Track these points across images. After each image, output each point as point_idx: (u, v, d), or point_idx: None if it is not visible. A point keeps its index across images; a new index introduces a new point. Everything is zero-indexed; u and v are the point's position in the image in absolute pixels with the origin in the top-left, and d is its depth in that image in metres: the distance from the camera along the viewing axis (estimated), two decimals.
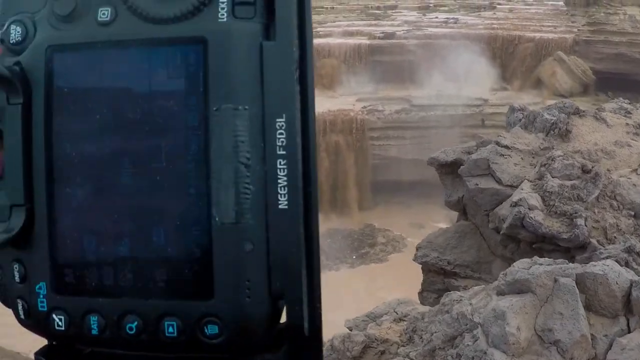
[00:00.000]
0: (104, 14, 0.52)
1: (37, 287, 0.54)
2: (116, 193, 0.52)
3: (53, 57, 0.53)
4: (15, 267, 0.55)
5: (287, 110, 0.49)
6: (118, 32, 0.52)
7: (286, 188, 0.49)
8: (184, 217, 0.51)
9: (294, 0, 0.50)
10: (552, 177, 5.69)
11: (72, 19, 0.53)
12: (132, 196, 0.52)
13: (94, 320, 0.53)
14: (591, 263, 3.82)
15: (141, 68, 0.52)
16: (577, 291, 3.44)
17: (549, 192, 5.55)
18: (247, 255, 0.50)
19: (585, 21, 25.48)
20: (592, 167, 5.85)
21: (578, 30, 25.39)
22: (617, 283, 3.54)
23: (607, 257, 4.39)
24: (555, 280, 3.47)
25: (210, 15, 0.50)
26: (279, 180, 0.49)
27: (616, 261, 4.03)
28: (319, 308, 0.51)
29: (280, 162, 0.49)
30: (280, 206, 0.49)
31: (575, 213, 5.39)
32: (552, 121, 6.55)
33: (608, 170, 6.04)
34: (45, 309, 0.54)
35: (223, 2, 0.50)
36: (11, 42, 0.54)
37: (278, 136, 0.49)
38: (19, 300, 0.55)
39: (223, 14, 0.50)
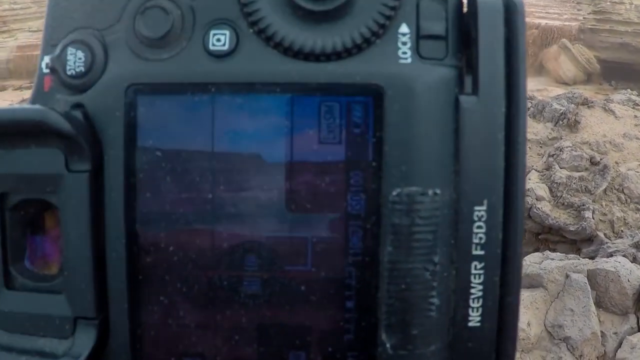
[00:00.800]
0: (219, 40, 0.35)
1: None
2: (236, 304, 0.36)
3: (137, 102, 0.35)
4: None
5: (490, 195, 0.34)
6: (241, 69, 0.35)
7: (480, 300, 0.35)
8: (337, 341, 0.36)
9: (501, 31, 0.34)
10: (560, 168, 5.63)
11: (168, 44, 0.35)
12: (260, 309, 0.36)
13: None
14: (602, 259, 3.78)
15: (278, 127, 0.35)
16: (589, 288, 3.39)
17: (556, 183, 5.50)
18: None
19: (591, 9, 25.32)
20: (601, 159, 5.80)
21: (583, 18, 25.25)
22: (628, 281, 3.50)
23: (614, 252, 4.35)
24: (567, 276, 3.42)
25: (385, 52, 0.34)
26: (472, 290, 0.34)
27: (623, 256, 3.99)
28: None
29: (475, 266, 0.34)
30: (470, 324, 0.35)
31: (583, 205, 5.34)
32: (561, 111, 6.48)
33: (616, 162, 5.99)
34: None
35: (405, 34, 0.34)
36: (68, 73, 0.36)
37: (475, 230, 0.34)
38: None
39: (405, 52, 0.34)
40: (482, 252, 0.34)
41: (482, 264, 0.34)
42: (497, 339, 0.35)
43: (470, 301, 0.35)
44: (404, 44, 0.34)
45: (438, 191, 0.34)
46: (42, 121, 0.35)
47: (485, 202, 0.34)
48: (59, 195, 0.36)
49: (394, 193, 0.34)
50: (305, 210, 0.35)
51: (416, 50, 0.34)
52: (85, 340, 0.36)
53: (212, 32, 0.35)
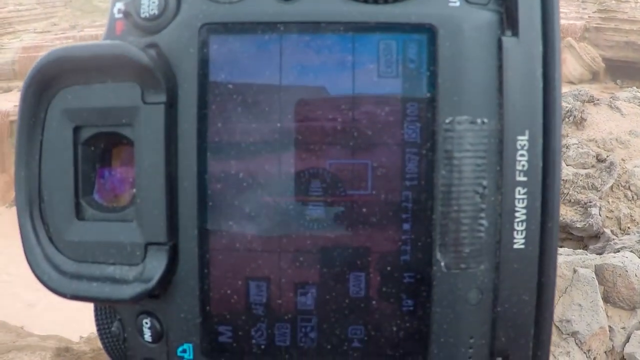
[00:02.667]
0: None
1: (180, 349, 0.40)
2: (299, 228, 0.39)
3: (210, 41, 0.38)
4: (145, 323, 0.40)
5: (531, 125, 0.38)
6: (307, 10, 0.38)
7: (524, 223, 0.38)
8: (394, 260, 0.38)
9: None
10: (567, 165, 5.63)
11: None
12: (323, 232, 0.39)
13: None
14: (610, 254, 3.78)
15: (341, 62, 0.38)
16: (597, 283, 3.40)
17: (563, 180, 5.50)
18: (474, 306, 0.38)
19: (596, 8, 25.25)
20: (607, 156, 5.79)
21: (589, 17, 25.19)
22: (636, 275, 3.51)
23: (621, 248, 4.35)
24: (575, 271, 3.43)
25: None
26: (517, 214, 0.38)
27: (631, 252, 3.99)
28: None
29: (519, 191, 0.38)
30: (515, 246, 0.38)
31: (590, 202, 5.34)
32: (567, 109, 6.47)
33: (622, 159, 5.98)
34: None
35: None
36: (142, 16, 0.39)
37: (519, 158, 0.38)
38: None
39: None
40: (525, 179, 0.38)
41: (525, 190, 0.38)
42: (539, 262, 0.38)
43: (515, 224, 0.38)
44: None
45: (485, 120, 0.38)
46: (123, 54, 0.37)
47: (526, 132, 0.38)
48: (133, 127, 0.39)
49: (447, 121, 0.37)
50: (366, 137, 0.38)
51: None
52: (155, 265, 0.39)
53: None
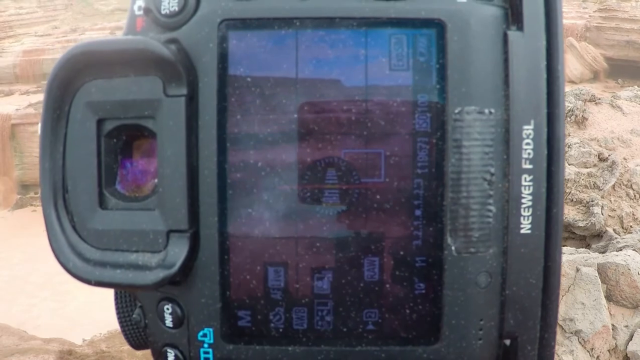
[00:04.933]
0: None
1: (201, 334, 0.42)
2: (315, 214, 0.40)
3: (228, 36, 0.40)
4: (167, 309, 0.42)
5: (536, 115, 0.39)
6: (322, 6, 0.39)
7: (530, 209, 0.40)
8: (407, 245, 0.40)
9: None
10: (569, 165, 5.63)
11: None
12: (338, 219, 0.40)
13: None
14: (612, 253, 3.79)
15: (354, 56, 0.39)
16: (600, 281, 3.41)
17: (565, 179, 5.50)
18: (483, 290, 0.40)
19: (597, 7, 25.25)
20: (609, 155, 5.79)
21: (589, 16, 25.19)
22: (638, 274, 3.52)
23: (624, 247, 4.36)
24: (577, 270, 3.43)
25: None
26: (523, 200, 0.40)
27: (633, 251, 4.00)
28: (553, 349, 0.41)
29: (525, 179, 0.39)
30: (522, 231, 0.40)
31: (592, 201, 5.34)
32: (569, 108, 6.47)
33: (624, 158, 5.98)
34: None
35: None
36: (163, 12, 0.40)
37: (524, 147, 0.39)
38: (170, 350, 0.42)
39: None
40: (530, 166, 0.39)
41: (531, 177, 0.39)
42: (545, 246, 0.40)
43: (522, 210, 0.40)
44: None
45: (492, 110, 0.39)
46: (146, 48, 0.39)
47: (532, 121, 0.39)
48: (155, 119, 0.40)
49: (456, 111, 0.39)
50: (379, 128, 0.40)
51: None
52: (177, 251, 0.40)
53: None
